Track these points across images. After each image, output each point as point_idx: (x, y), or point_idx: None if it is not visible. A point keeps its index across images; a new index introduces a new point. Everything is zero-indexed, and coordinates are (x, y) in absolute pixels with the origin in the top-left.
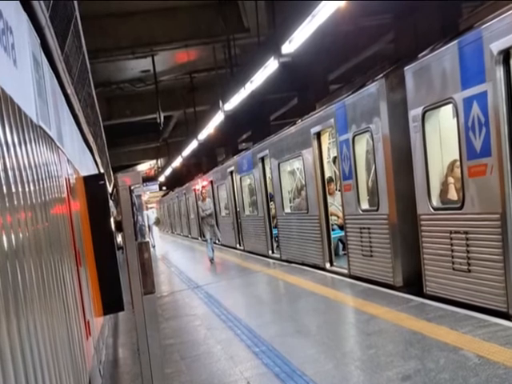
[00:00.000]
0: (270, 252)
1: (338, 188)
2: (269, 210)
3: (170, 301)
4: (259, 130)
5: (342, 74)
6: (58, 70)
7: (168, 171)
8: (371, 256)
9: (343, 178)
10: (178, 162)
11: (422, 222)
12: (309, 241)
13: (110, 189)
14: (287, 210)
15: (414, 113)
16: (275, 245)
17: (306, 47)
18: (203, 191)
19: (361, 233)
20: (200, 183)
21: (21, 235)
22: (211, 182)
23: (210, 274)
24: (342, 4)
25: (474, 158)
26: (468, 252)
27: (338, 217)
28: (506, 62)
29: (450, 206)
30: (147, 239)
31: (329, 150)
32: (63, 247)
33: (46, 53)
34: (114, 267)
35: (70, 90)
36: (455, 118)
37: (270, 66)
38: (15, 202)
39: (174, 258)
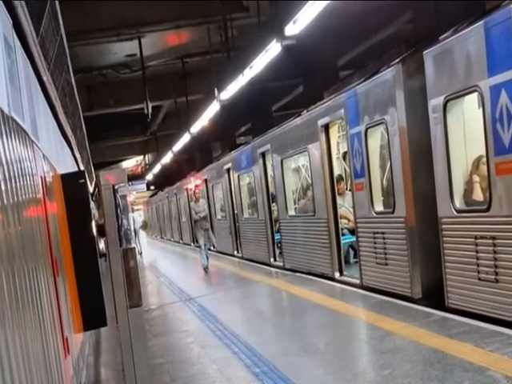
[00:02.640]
0: (272, 260)
1: (349, 187)
2: (270, 212)
3: (159, 315)
4: (260, 122)
5: (353, 59)
6: (33, 55)
7: (157, 168)
8: (386, 264)
9: (354, 176)
10: (168, 158)
11: (444, 226)
12: (315, 247)
13: (91, 188)
14: (291, 212)
15: (435, 102)
16: (278, 252)
17: (313, 28)
18: (196, 191)
19: (374, 238)
20: (193, 182)
21: None
22: (205, 180)
23: (204, 284)
24: None
25: (503, 153)
26: (495, 260)
27: (349, 220)
28: None
29: (475, 207)
30: (133, 245)
31: (338, 144)
32: (38, 254)
33: (19, 35)
34: (95, 277)
35: (46, 77)
36: (481, 109)
37: (272, 50)
38: None
39: (164, 266)
